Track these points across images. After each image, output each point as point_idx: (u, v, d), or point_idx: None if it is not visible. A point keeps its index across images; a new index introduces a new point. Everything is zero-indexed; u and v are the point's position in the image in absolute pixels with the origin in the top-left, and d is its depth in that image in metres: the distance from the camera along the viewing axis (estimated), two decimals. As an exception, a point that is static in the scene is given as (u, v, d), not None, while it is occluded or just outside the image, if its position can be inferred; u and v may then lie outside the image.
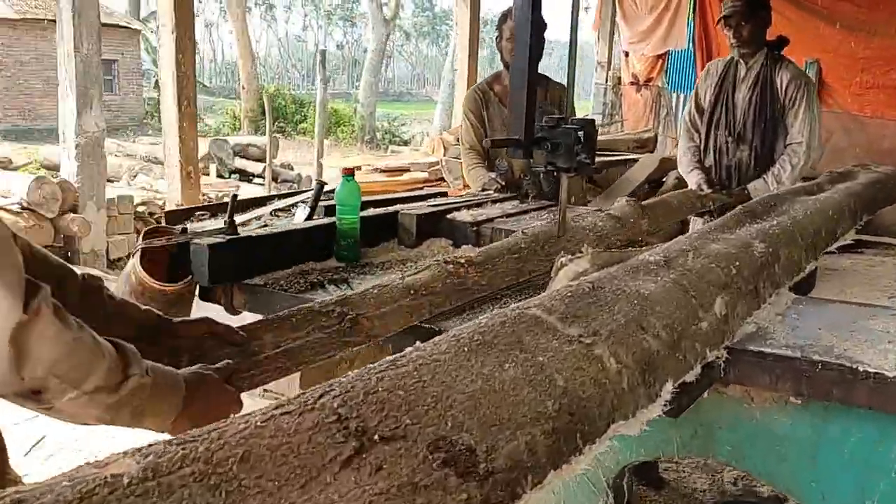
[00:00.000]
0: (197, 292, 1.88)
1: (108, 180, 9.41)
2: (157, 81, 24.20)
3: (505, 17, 3.16)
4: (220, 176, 10.06)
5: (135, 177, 9.22)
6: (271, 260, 1.89)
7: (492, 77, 3.41)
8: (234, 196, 1.86)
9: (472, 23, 7.61)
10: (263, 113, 22.91)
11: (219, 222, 2.54)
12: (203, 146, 10.47)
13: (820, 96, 7.77)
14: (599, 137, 7.00)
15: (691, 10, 7.98)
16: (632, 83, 8.72)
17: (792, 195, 2.50)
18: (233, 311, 1.85)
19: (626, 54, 8.78)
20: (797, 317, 1.70)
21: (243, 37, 22.27)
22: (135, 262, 1.76)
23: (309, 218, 2.19)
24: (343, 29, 60.00)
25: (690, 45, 8.18)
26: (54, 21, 6.05)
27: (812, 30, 7.72)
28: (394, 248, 2.21)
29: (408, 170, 5.92)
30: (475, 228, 2.20)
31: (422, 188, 5.21)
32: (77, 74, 5.88)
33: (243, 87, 22.55)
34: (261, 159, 10.34)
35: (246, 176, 10.69)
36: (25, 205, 5.64)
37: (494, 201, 2.58)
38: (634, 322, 1.23)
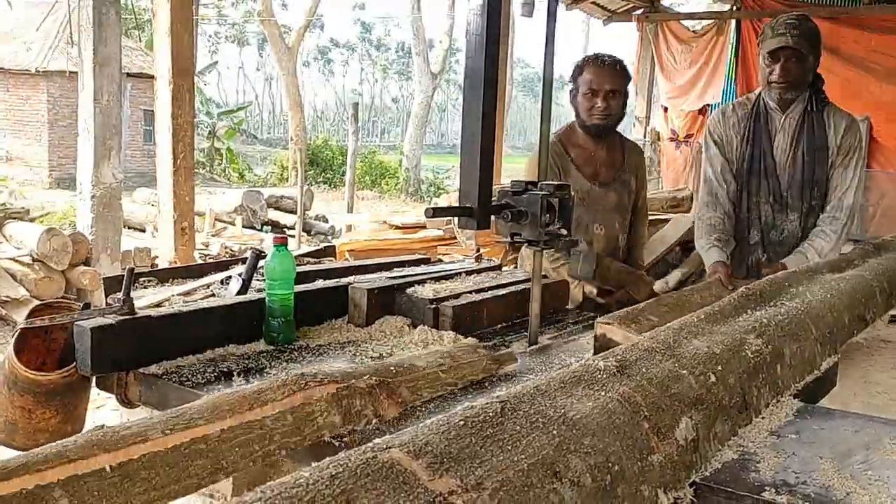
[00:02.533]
0: (94, 381, 1.64)
1: (141, 229, 9.45)
2: (209, 132, 24.84)
3: (581, 68, 2.68)
4: (251, 227, 10.00)
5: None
6: (181, 343, 1.63)
7: (564, 134, 2.80)
8: (131, 269, 1.62)
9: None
10: (311, 164, 23.37)
11: (167, 291, 2.32)
12: (237, 197, 10.48)
13: (871, 155, 7.35)
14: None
15: (732, 59, 7.68)
16: (671, 139, 8.40)
17: (811, 273, 2.15)
18: (128, 403, 1.60)
19: (665, 109, 8.48)
20: (796, 436, 1.36)
21: (293, 90, 22.67)
22: (10, 345, 1.52)
23: (242, 292, 1.94)
24: (399, 83, 61.20)
25: (734, 97, 7.85)
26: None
27: (862, 85, 7.33)
28: (342, 328, 1.94)
29: (424, 226, 5.67)
30: (433, 306, 1.92)
31: (434, 247, 4.95)
32: (96, 125, 5.85)
33: (292, 139, 22.85)
34: (294, 211, 10.26)
35: (279, 228, 10.61)
36: (36, 256, 5.56)
37: (470, 272, 2.30)
38: (545, 465, 0.92)
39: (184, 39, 3.91)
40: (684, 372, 1.29)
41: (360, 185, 21.79)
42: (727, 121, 2.80)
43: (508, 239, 1.82)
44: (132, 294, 1.63)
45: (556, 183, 1.79)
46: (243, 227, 9.64)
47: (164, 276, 2.37)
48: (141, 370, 1.56)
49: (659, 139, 8.68)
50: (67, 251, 5.64)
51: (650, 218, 6.00)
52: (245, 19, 36.95)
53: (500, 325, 2.03)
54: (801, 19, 2.66)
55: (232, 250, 6.94)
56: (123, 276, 2.30)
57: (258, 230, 10.02)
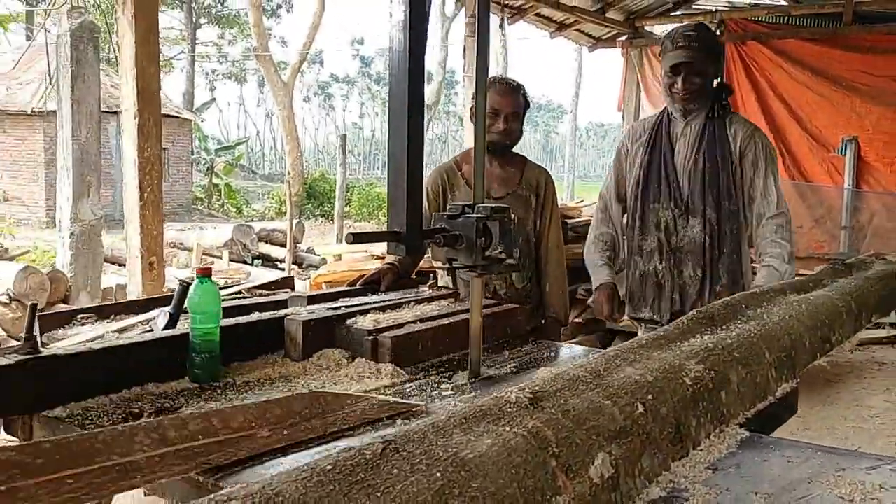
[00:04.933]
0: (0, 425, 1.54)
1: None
2: (208, 167, 24.94)
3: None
4: (241, 261, 9.93)
5: (155, 263, 9.16)
6: (92, 383, 1.54)
7: (462, 155, 2.94)
8: (34, 305, 1.54)
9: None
10: (308, 197, 23.40)
11: (108, 326, 2.23)
12: (228, 232, 10.43)
13: (860, 175, 7.28)
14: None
15: (718, 86, 7.63)
16: (659, 164, 8.34)
17: (773, 294, 2.06)
18: (34, 447, 1.50)
19: (653, 134, 8.44)
20: (735, 470, 1.26)
21: (290, 125, 22.77)
22: None
23: (170, 326, 1.85)
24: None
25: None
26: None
27: (848, 107, 7.29)
28: (276, 362, 1.85)
29: (406, 257, 5.58)
30: (371, 338, 1.83)
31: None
32: (74, 162, 5.82)
33: (288, 173, 22.90)
34: (286, 244, 10.20)
35: (270, 261, 10.54)
36: (13, 295, 5.48)
37: (419, 301, 2.21)
38: (418, 513, 0.83)
39: (149, 72, 3.87)
40: (608, 403, 1.19)
41: (357, 216, 21.79)
42: (634, 133, 2.86)
43: (446, 265, 1.74)
44: (39, 333, 1.55)
45: (493, 205, 1.71)
46: (231, 261, 9.57)
47: (105, 313, 2.29)
48: (45, 413, 1.46)
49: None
50: (45, 289, 5.57)
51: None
52: (245, 56, 37.34)
53: (445, 357, 1.94)
54: (699, 30, 2.68)
55: (234, 284, 6.85)
56: (65, 312, 2.23)
57: (249, 264, 9.96)
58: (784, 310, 1.91)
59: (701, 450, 1.32)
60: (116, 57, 4.00)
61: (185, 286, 1.83)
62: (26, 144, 19.03)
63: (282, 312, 1.97)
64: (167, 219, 18.10)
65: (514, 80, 2.75)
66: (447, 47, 24.29)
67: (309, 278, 6.74)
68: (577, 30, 8.91)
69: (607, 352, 1.47)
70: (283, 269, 9.75)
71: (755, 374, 1.59)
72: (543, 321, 2.78)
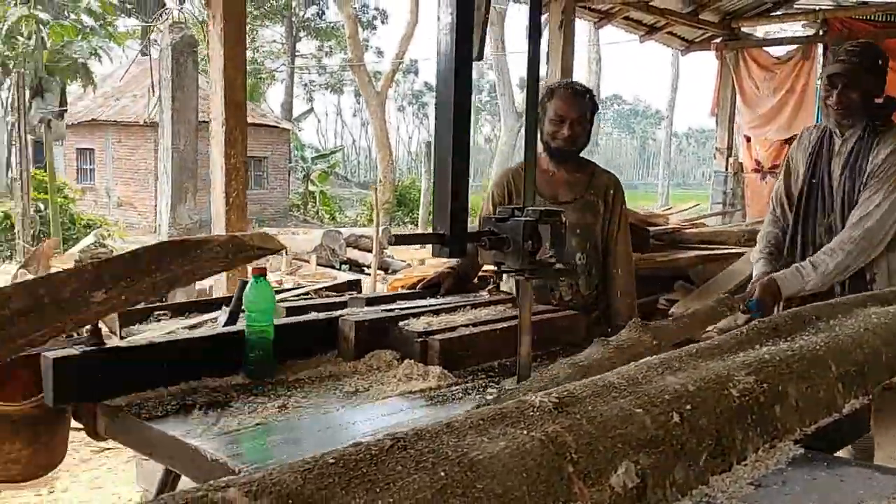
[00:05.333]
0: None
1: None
2: (304, 175, 25.72)
3: (550, 93, 2.68)
4: (330, 266, 10.18)
5: (250, 267, 9.51)
6: (151, 375, 1.61)
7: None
8: (97, 301, 1.62)
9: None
10: (399, 204, 23.76)
11: (180, 323, 2.33)
12: (318, 237, 10.71)
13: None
14: (705, 229, 6.38)
15: (820, 85, 7.29)
16: (755, 170, 8.02)
17: (850, 305, 1.94)
18: (96, 435, 1.59)
19: (748, 139, 8.13)
20: (779, 487, 1.19)
21: (382, 133, 23.19)
22: (-19, 375, 1.54)
23: (230, 323, 1.92)
24: (492, 123, 61.81)
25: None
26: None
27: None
28: (330, 361, 1.89)
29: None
30: (421, 340, 1.84)
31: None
32: (173, 169, 6.12)
33: (379, 181, 23.32)
34: (372, 249, 10.37)
35: (357, 266, 10.75)
36: (114, 294, 5.81)
37: (476, 305, 2.20)
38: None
39: (236, 83, 4.02)
40: (639, 411, 1.16)
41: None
42: (801, 143, 2.83)
43: (494, 268, 1.73)
44: (119, 327, 1.63)
45: (544, 209, 1.69)
46: (319, 265, 9.82)
47: (180, 310, 2.40)
48: (106, 402, 1.54)
49: (742, 170, 8.31)
50: (143, 289, 5.87)
51: (722, 251, 5.73)
52: (342, 67, 38.33)
53: (497, 362, 1.92)
54: (863, 46, 2.63)
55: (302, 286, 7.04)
56: (143, 309, 2.35)
57: (337, 269, 10.19)
58: (859, 322, 1.80)
59: (746, 465, 1.26)
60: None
61: (243, 285, 1.89)
62: (138, 154, 20.15)
63: (337, 313, 2.01)
64: (264, 224, 18.73)
65: (579, 85, 2.71)
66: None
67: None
68: (669, 32, 8.70)
69: (652, 359, 1.42)
70: (369, 274, 9.92)
71: (817, 388, 1.50)
72: (609, 330, 2.72)
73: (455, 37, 1.55)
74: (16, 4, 10.60)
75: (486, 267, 2.70)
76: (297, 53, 33.80)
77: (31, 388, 1.69)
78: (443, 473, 0.89)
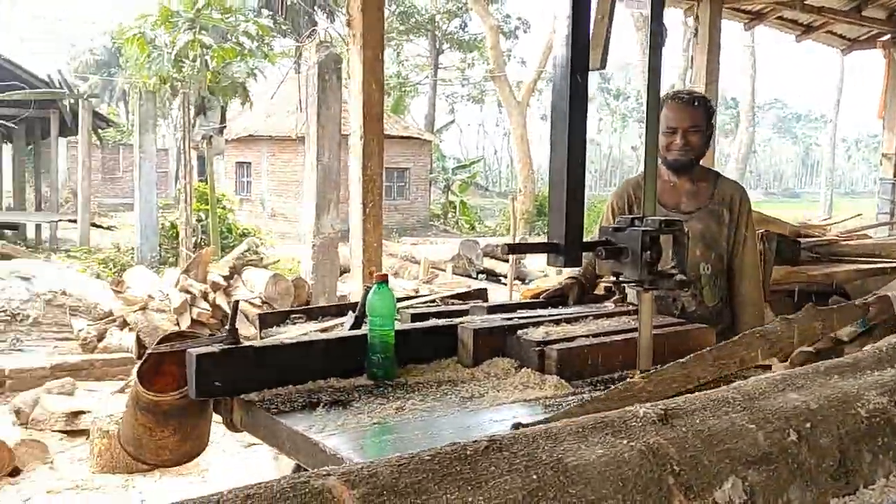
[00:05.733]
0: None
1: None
2: (445, 186, 26.23)
3: (662, 102, 2.55)
4: (466, 275, 10.32)
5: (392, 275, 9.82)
6: (282, 373, 1.73)
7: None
8: (236, 303, 1.76)
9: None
10: (538, 214, 23.69)
11: (313, 326, 2.47)
12: (455, 246, 10.90)
13: None
14: (867, 241, 5.92)
15: None
16: (926, 177, 7.36)
17: None
18: (233, 427, 1.72)
19: (917, 144, 7.48)
20: (906, 517, 1.11)
21: (522, 143, 23.24)
22: (137, 368, 1.71)
23: (355, 327, 2.01)
24: (639, 130, 60.33)
25: None
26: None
27: None
28: (449, 367, 1.94)
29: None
30: (539, 349, 1.85)
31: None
32: (317, 181, 6.44)
33: (519, 191, 23.36)
34: (509, 259, 10.41)
35: (494, 276, 10.83)
36: (264, 299, 6.19)
37: (598, 316, 2.19)
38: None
39: (374, 97, 4.20)
40: (752, 426, 1.12)
41: (587, 232, 21.63)
42: None
43: (612, 279, 1.72)
44: (259, 329, 1.75)
45: (664, 219, 1.67)
46: (455, 274, 9.98)
47: (314, 314, 2.53)
48: (241, 396, 1.67)
49: (911, 177, 7.65)
50: (290, 294, 6.22)
51: (886, 265, 5.30)
52: (484, 78, 38.74)
53: (617, 374, 1.90)
54: None
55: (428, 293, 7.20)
56: (281, 312, 2.51)
57: (473, 278, 10.31)
58: None
59: (873, 489, 1.19)
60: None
61: (367, 290, 1.98)
62: (290, 166, 21.30)
63: (457, 320, 2.05)
64: (405, 234, 19.21)
65: (693, 93, 2.63)
66: (688, 57, 23.29)
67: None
68: (828, 31, 8.18)
69: (774, 375, 1.36)
70: (505, 284, 9.97)
71: (964, 412, 1.38)
72: None
73: (570, 48, 1.56)
74: (182, 31, 11.53)
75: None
76: (439, 66, 34.54)
77: (180, 381, 1.86)
78: (535, 476, 0.91)
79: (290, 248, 14.94)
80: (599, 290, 2.63)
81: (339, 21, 24.28)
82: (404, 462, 0.89)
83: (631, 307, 2.36)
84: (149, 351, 1.76)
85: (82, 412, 4.81)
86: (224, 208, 13.56)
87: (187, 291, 6.59)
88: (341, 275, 7.31)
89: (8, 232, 16.03)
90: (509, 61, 30.35)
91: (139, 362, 1.75)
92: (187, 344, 1.73)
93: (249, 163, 23.22)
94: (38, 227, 16.27)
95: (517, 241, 9.34)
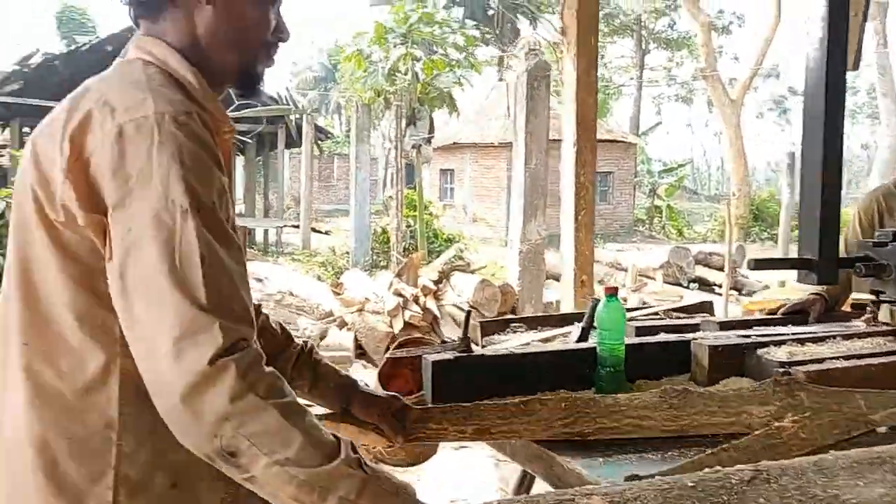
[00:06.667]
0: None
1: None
2: (650, 190, 25.42)
3: None
4: (676, 284, 9.91)
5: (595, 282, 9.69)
6: (512, 383, 1.76)
7: None
8: (468, 313, 1.80)
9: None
10: (755, 219, 22.23)
11: (534, 336, 2.50)
12: (664, 254, 10.51)
13: None
14: None
15: None
16: None
17: None
18: (465, 432, 1.77)
19: None
20: None
21: (735, 143, 21.96)
22: (378, 371, 1.82)
23: (582, 339, 2.00)
24: (870, 128, 54.92)
25: None
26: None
27: None
28: (681, 384, 1.87)
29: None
30: (783, 370, 1.73)
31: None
32: (525, 187, 6.51)
33: (733, 194, 22.08)
34: (723, 268, 9.88)
35: (707, 285, 10.31)
36: (471, 304, 6.35)
37: (848, 336, 2.00)
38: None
39: (587, 104, 4.16)
40: None
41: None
42: None
43: (871, 297, 1.58)
44: (480, 336, 1.81)
45: (936, 232, 1.50)
46: (666, 283, 9.62)
47: (533, 323, 2.55)
48: (476, 403, 1.71)
49: None
50: (496, 300, 6.33)
51: None
52: (694, 77, 37.15)
53: (872, 399, 1.73)
54: None
55: (649, 305, 6.98)
56: (501, 320, 2.56)
57: (685, 287, 9.89)
58: None
59: None
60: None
61: (595, 303, 1.96)
62: (492, 172, 21.72)
63: (689, 336, 1.98)
64: (608, 240, 18.89)
65: None
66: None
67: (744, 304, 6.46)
68: None
69: None
70: (720, 294, 9.46)
71: None
72: None
73: (826, 51, 1.45)
74: (395, 46, 12.15)
75: (856, 295, 2.44)
76: (645, 66, 33.61)
77: (412, 385, 1.95)
78: (811, 514, 0.85)
79: (493, 252, 15.23)
80: (846, 307, 2.42)
81: (542, 27, 24.42)
82: (667, 487, 0.87)
83: (885, 327, 2.14)
84: (386, 355, 1.86)
85: (309, 405, 5.21)
86: (431, 214, 14.10)
87: (399, 295, 6.92)
88: (546, 280, 7.33)
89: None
90: (721, 58, 28.86)
91: (379, 365, 1.86)
92: (422, 350, 1.81)
93: (452, 169, 23.97)
94: (265, 231, 17.87)
95: (733, 248, 8.82)
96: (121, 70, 1.11)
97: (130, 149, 0.97)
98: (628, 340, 1.90)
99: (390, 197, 13.02)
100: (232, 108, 15.26)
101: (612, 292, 1.81)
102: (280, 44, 1.22)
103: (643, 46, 32.84)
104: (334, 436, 0.99)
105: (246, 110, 15.42)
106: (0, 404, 1.10)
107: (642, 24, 31.40)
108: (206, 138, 1.02)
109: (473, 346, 1.81)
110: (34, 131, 1.12)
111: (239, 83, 1.22)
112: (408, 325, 6.61)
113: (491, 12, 26.66)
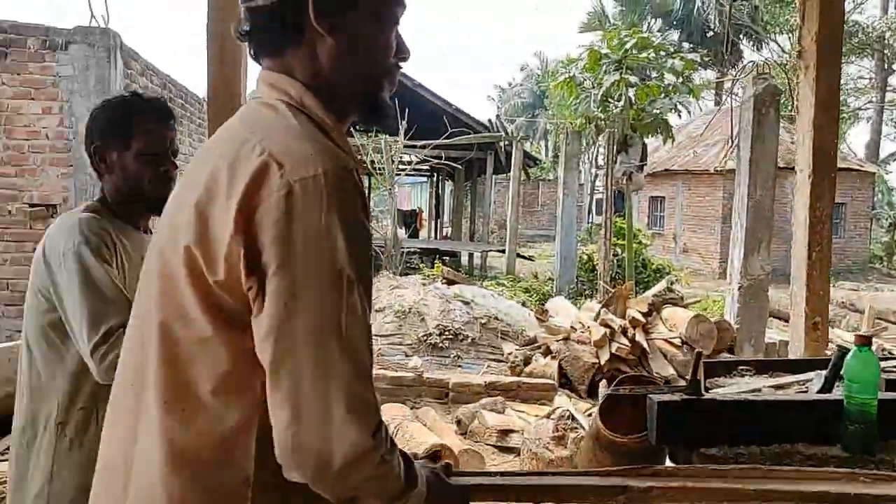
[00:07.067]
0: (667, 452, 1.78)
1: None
2: (890, 223, 22.91)
3: None
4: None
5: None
6: (747, 431, 1.65)
7: None
8: (699, 353, 1.71)
9: None
10: None
11: (765, 381, 2.33)
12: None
13: None
14: None
15: None
16: None
17: None
18: (690, 479, 1.68)
19: None
20: None
21: None
22: (598, 408, 1.78)
23: (825, 390, 1.82)
24: None
25: None
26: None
27: None
28: (948, 450, 1.65)
29: None
30: None
31: None
32: (748, 218, 6.14)
33: None
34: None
35: (960, 333, 9.06)
36: (684, 339, 6.06)
37: None
38: None
39: (826, 133, 3.84)
40: None
41: None
42: None
43: None
44: (703, 378, 1.72)
45: None
46: (909, 328, 8.58)
47: (763, 367, 2.38)
48: (702, 449, 1.63)
49: None
50: (712, 337, 5.98)
51: None
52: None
53: None
54: None
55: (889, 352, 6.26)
56: (727, 362, 2.42)
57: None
58: None
59: None
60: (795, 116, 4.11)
61: (842, 352, 1.79)
62: (707, 201, 20.69)
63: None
64: (840, 277, 17.30)
65: None
66: None
67: None
68: None
69: None
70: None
71: None
72: None
73: None
74: (608, 72, 12.01)
75: None
76: (888, 87, 30.51)
77: (631, 422, 1.89)
78: None
79: (705, 285, 14.46)
80: None
81: (767, 49, 22.99)
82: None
83: None
84: (608, 391, 1.82)
85: (512, 430, 5.23)
86: (640, 243, 13.71)
87: (607, 325, 6.77)
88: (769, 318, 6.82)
89: (447, 258, 18.37)
90: None
91: (599, 401, 1.82)
92: (643, 389, 1.75)
93: (663, 197, 23.18)
94: (470, 255, 18.32)
95: None
96: (268, 114, 1.07)
97: (298, 210, 0.95)
98: (883, 395, 1.71)
99: (598, 225, 12.85)
100: (445, 135, 15.90)
101: (864, 342, 1.64)
102: (402, 64, 1.17)
103: (886, 66, 29.84)
104: (404, 456, 1.07)
105: (459, 138, 15.97)
106: (128, 455, 1.07)
107: (885, 42, 28.57)
108: (362, 190, 1.01)
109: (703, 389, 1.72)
110: (178, 185, 1.12)
111: (364, 113, 1.16)
112: (614, 358, 6.44)
113: (710, 34, 25.56)
